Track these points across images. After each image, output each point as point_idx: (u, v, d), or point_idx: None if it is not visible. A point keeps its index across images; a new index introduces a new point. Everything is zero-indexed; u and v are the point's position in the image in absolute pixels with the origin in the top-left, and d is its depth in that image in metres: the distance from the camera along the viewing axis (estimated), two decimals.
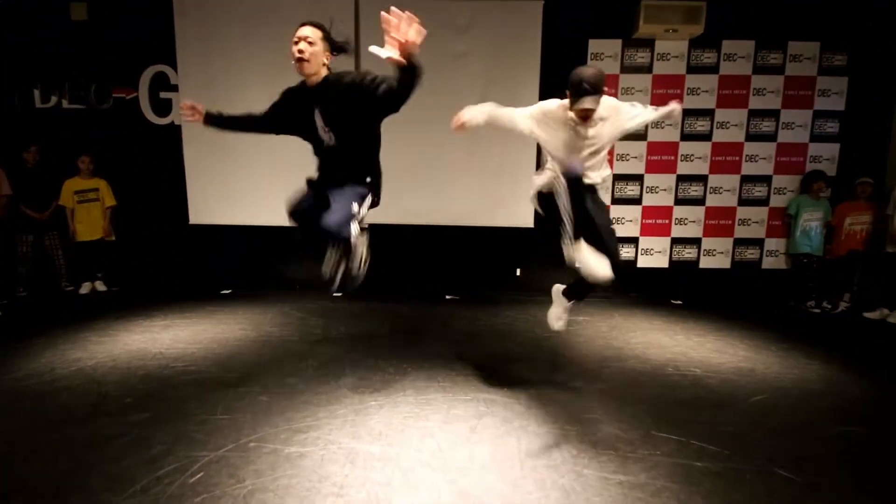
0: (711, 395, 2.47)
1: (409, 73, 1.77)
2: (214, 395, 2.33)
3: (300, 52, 2.12)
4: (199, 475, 1.65)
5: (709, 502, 1.57)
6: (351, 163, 2.29)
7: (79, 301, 4.36)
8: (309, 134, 2.32)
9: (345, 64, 4.38)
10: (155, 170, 4.76)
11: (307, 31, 2.15)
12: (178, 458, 1.75)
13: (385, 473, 1.69)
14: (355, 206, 2.19)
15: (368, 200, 2.32)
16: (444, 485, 1.63)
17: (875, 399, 2.48)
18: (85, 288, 4.64)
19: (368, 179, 2.32)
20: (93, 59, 4.62)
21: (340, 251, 2.26)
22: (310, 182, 2.42)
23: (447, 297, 4.71)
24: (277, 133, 2.47)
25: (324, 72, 2.21)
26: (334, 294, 2.48)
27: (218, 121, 2.52)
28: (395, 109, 2.06)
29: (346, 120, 2.21)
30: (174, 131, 4.68)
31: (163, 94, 4.68)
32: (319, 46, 2.15)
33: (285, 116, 2.38)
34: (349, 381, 2.53)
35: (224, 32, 4.51)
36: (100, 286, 4.71)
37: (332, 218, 2.10)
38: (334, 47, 2.25)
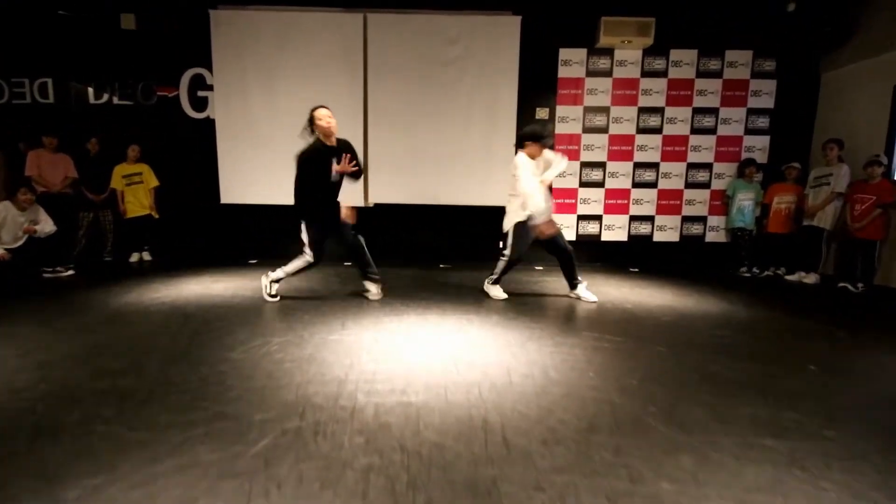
0: (633, 316, 3.37)
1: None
2: (279, 312, 3.21)
3: (332, 125, 3.44)
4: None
5: (613, 359, 2.45)
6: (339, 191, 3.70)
7: (129, 268, 5.19)
8: (325, 173, 3.50)
9: (354, 85, 5.20)
10: (192, 157, 5.60)
11: (329, 112, 3.45)
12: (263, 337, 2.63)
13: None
14: None
15: None
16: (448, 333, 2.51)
17: (749, 317, 3.38)
18: (134, 257, 5.49)
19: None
20: (140, 62, 5.45)
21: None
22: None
23: (441, 265, 5.58)
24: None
25: (334, 139, 3.49)
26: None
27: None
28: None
29: None
30: (209, 124, 5.52)
31: (200, 93, 5.52)
32: (335, 122, 3.47)
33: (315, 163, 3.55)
34: (371, 303, 3.41)
35: (252, 41, 5.35)
36: (146, 256, 5.56)
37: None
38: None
